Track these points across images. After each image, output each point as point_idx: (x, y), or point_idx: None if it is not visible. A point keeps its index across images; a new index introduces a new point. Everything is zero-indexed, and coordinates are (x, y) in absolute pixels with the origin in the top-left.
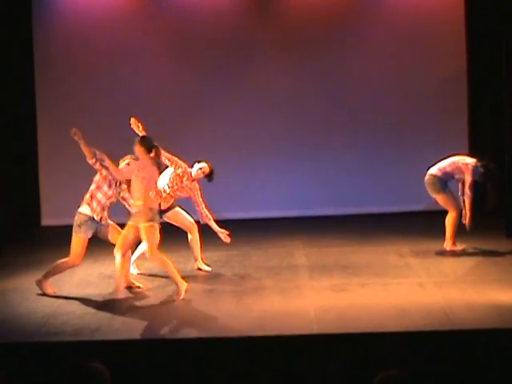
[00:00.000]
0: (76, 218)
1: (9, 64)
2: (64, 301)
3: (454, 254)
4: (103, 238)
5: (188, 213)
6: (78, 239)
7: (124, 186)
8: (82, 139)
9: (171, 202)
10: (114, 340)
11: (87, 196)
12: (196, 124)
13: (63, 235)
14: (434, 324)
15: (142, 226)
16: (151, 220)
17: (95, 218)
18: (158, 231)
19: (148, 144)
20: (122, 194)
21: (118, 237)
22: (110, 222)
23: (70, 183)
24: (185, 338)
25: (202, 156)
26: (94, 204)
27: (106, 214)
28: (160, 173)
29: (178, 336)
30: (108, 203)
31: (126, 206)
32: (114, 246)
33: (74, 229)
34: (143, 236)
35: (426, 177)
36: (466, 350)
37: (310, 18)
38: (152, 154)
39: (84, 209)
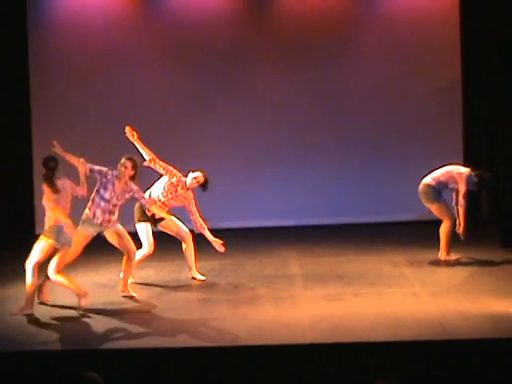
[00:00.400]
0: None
1: (4, 68)
2: (58, 309)
3: (448, 263)
4: (110, 242)
5: (182, 222)
6: (78, 233)
7: (132, 186)
8: (66, 152)
9: (166, 211)
10: (108, 349)
11: (89, 202)
12: (191, 131)
13: None
14: (428, 334)
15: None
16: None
17: (95, 221)
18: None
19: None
20: (135, 196)
21: (126, 243)
22: (118, 226)
23: None
24: (179, 347)
25: (196, 164)
26: (93, 208)
27: (108, 216)
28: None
29: (172, 345)
30: (109, 206)
31: (142, 203)
32: (118, 250)
33: (80, 224)
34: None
35: (420, 186)
36: (461, 359)
37: (307, 26)
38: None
39: (87, 211)
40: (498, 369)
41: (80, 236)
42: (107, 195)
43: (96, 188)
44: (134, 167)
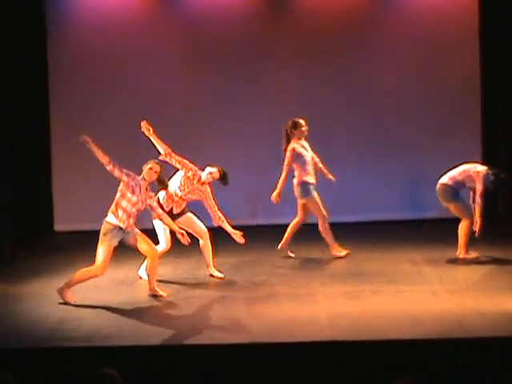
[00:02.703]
0: (102, 227)
1: (23, 67)
2: (76, 307)
3: (466, 261)
4: (130, 246)
5: (200, 219)
6: (104, 248)
7: (151, 194)
8: (95, 146)
9: (183, 206)
10: (126, 346)
11: (113, 205)
12: (208, 127)
13: (76, 241)
14: (446, 332)
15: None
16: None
17: (122, 226)
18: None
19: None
20: (149, 202)
21: (147, 246)
22: (136, 230)
23: (83, 189)
24: (197, 344)
25: (212, 158)
26: (120, 212)
27: (132, 221)
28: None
29: (190, 342)
30: (134, 210)
31: (154, 214)
32: (138, 252)
33: (100, 238)
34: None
35: (438, 186)
36: (479, 357)
37: (324, 23)
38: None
39: (110, 218)
40: None
41: (105, 251)
42: (135, 199)
43: (121, 192)
44: (160, 172)
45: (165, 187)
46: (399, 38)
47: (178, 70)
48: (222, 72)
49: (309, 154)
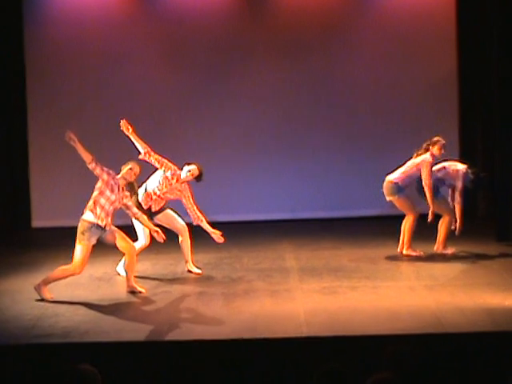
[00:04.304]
0: (79, 225)
1: (0, 62)
2: (53, 303)
3: (444, 257)
4: (108, 243)
5: (179, 215)
6: (82, 247)
7: (127, 193)
8: (79, 143)
9: (162, 204)
10: (104, 342)
11: (90, 203)
12: (187, 125)
13: (53, 237)
14: (424, 327)
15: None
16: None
17: (100, 224)
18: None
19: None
20: (124, 201)
21: (125, 243)
22: (113, 227)
23: (60, 185)
24: (175, 340)
25: (192, 157)
26: (98, 210)
27: (109, 219)
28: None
29: (167, 338)
30: (112, 209)
31: (129, 213)
32: (117, 249)
33: (78, 236)
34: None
35: (416, 185)
36: (457, 352)
37: (303, 20)
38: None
39: (87, 216)
40: (493, 362)
41: (83, 250)
42: (113, 197)
43: (99, 190)
44: (137, 176)
45: (132, 193)
46: (377, 37)
47: (157, 69)
48: (201, 70)
49: None
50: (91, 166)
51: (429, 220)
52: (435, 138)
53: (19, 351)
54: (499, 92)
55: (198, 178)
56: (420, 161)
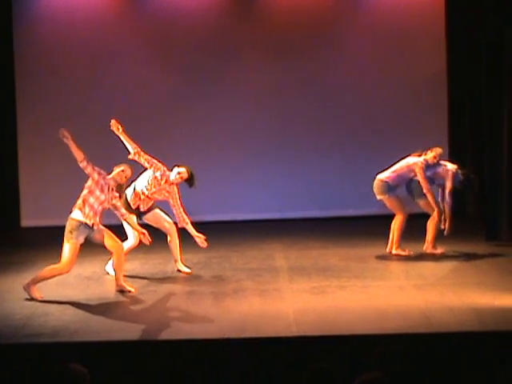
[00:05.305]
0: (67, 224)
1: None
2: (42, 302)
3: (433, 257)
4: (97, 242)
5: (167, 214)
6: (70, 245)
7: (116, 194)
8: (72, 141)
9: (150, 204)
10: (94, 341)
11: (79, 201)
12: (177, 125)
13: (42, 236)
14: (413, 326)
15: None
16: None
17: (88, 223)
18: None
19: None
20: (113, 202)
21: (113, 242)
22: (102, 226)
23: (50, 185)
24: (164, 339)
25: (181, 157)
26: (87, 209)
27: (97, 219)
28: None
29: (156, 338)
30: (100, 208)
31: (117, 214)
32: (105, 249)
33: (66, 235)
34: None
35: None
36: (446, 352)
37: (292, 20)
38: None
39: (76, 214)
40: (482, 361)
41: (71, 249)
42: (103, 197)
43: (89, 189)
44: (129, 177)
45: (120, 194)
46: (366, 37)
47: (147, 69)
48: (192, 70)
49: None
50: (82, 164)
51: (445, 233)
52: (436, 147)
53: (9, 351)
54: (488, 92)
55: (190, 182)
56: (412, 163)
